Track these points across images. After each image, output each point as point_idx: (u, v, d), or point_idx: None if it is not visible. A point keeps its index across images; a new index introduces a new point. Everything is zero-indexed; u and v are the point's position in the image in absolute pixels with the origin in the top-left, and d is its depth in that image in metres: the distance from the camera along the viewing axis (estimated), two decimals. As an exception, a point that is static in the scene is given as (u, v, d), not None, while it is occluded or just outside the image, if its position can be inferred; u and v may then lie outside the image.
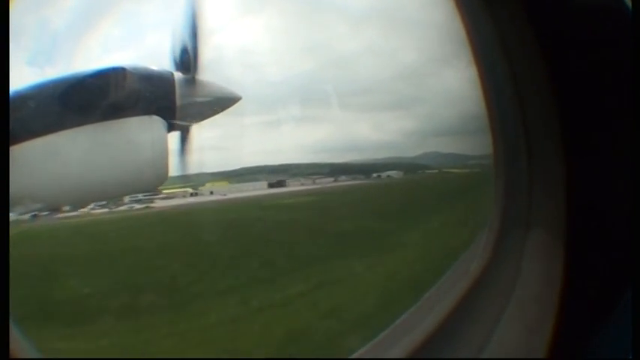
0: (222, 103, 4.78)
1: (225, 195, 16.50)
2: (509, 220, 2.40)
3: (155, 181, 4.29)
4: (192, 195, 16.02)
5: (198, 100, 4.48)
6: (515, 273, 2.28)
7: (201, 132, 4.74)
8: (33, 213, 3.84)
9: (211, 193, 16.40)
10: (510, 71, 2.32)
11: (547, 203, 2.28)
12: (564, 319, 2.05)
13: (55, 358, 1.74)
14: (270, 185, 18.03)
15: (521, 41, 2.23)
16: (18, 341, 1.82)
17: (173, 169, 4.52)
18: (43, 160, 3.69)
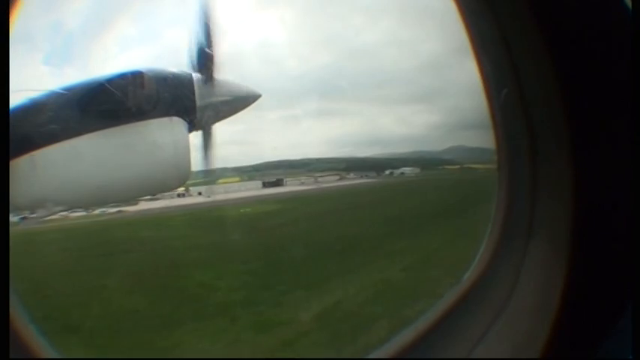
0: (241, 101, 4.86)
1: (209, 197, 16.27)
2: (511, 226, 2.35)
3: (178, 180, 4.40)
4: (179, 196, 16.02)
5: (218, 99, 4.57)
6: (511, 284, 2.23)
7: (223, 128, 4.84)
8: (23, 216, 3.99)
9: (199, 193, 16.24)
10: (513, 68, 2.28)
11: (552, 207, 2.23)
12: (556, 338, 2.02)
13: (59, 358, 1.81)
14: (265, 185, 17.72)
15: (524, 37, 2.17)
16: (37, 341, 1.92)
17: (195, 165, 4.67)
18: (66, 164, 3.85)
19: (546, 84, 2.15)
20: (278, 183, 16.96)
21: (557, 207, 2.19)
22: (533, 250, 2.23)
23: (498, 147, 2.42)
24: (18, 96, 3.73)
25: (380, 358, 2.17)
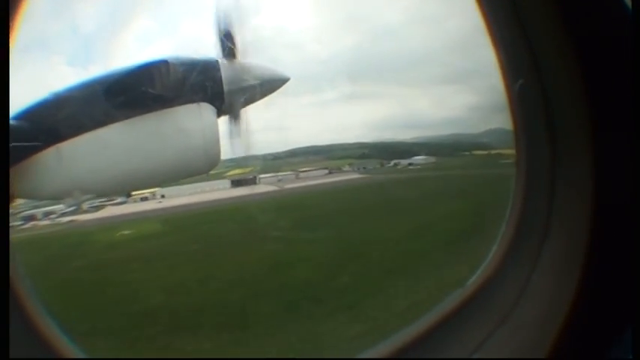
0: (270, 85, 4.84)
1: (160, 202, 15.89)
2: (526, 226, 2.25)
3: (207, 165, 4.44)
4: (142, 199, 15.91)
5: (246, 83, 4.57)
6: (520, 289, 2.14)
7: (252, 114, 4.86)
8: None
9: (162, 196, 16.04)
10: (534, 64, 2.15)
11: (570, 208, 2.12)
12: (560, 351, 1.93)
13: (65, 358, 1.89)
14: (234, 184, 16.97)
15: (547, 33, 2.06)
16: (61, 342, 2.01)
17: (225, 153, 4.73)
18: (93, 153, 3.97)
19: (569, 80, 2.03)
20: (249, 182, 16.23)
21: (576, 208, 2.08)
22: (546, 254, 2.14)
23: (517, 143, 2.31)
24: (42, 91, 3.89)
25: (378, 358, 2.16)
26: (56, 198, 4.24)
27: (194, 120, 4.24)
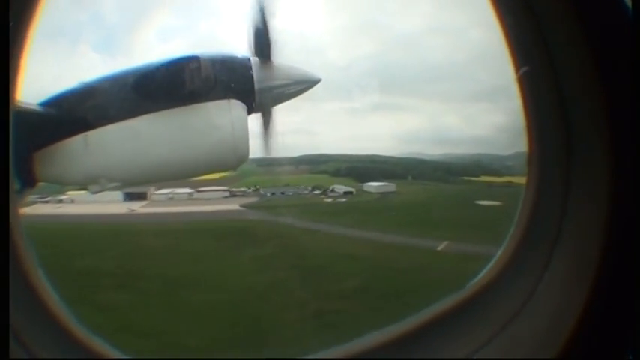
0: (301, 85, 4.87)
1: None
2: (536, 229, 2.13)
3: (236, 161, 4.50)
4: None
5: (277, 82, 4.62)
6: (525, 297, 2.03)
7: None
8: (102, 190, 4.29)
9: (72, 201, 15.53)
10: (550, 64, 2.06)
11: (584, 210, 2.01)
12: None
13: (74, 358, 1.95)
14: (127, 197, 16.10)
15: (563, 33, 1.97)
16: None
17: (256, 152, 4.79)
18: (121, 143, 4.12)
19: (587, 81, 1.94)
20: (140, 196, 15.54)
21: (590, 213, 1.97)
22: (556, 262, 2.03)
23: (531, 144, 2.21)
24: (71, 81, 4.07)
25: (377, 358, 2.11)
26: (81, 184, 4.41)
27: (224, 116, 4.31)
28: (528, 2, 2.02)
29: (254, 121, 4.55)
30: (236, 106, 4.36)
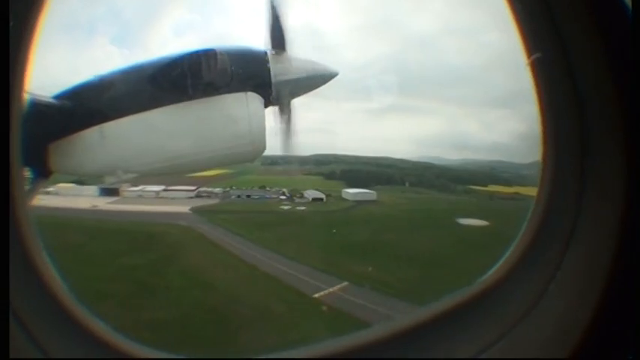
0: (318, 78, 4.84)
1: None
2: (549, 227, 2.05)
3: (252, 153, 4.52)
4: None
5: (294, 76, 4.60)
6: (536, 297, 1.97)
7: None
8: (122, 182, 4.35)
9: (56, 193, 15.09)
10: (566, 62, 1.98)
11: (599, 210, 1.92)
12: None
13: (59, 358, 1.97)
14: (102, 192, 15.66)
15: (580, 34, 1.90)
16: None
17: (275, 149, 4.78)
18: (138, 135, 4.16)
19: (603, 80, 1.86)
20: (114, 192, 15.20)
21: (605, 212, 1.89)
22: (568, 262, 1.95)
23: (545, 141, 2.13)
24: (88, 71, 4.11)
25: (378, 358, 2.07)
26: (97, 175, 4.47)
27: (241, 108, 4.32)
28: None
29: (270, 116, 4.60)
30: (253, 99, 4.36)
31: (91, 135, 4.12)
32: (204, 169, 5.18)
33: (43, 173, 4.15)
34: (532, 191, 2.20)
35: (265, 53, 4.49)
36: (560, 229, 2.01)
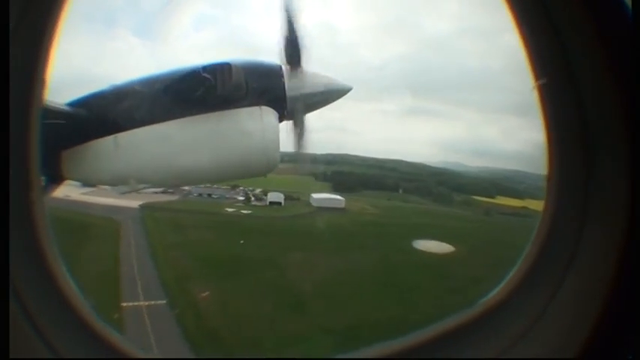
0: (332, 93, 4.88)
1: None
2: (552, 249, 2.06)
3: (266, 167, 4.56)
4: None
5: (309, 90, 4.64)
6: (536, 316, 1.96)
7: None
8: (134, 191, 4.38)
9: None
10: (565, 61, 2.00)
11: (601, 233, 1.92)
12: None
13: (61, 357, 1.99)
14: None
15: (579, 34, 1.92)
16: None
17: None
18: (152, 146, 4.21)
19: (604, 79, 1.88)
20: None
21: (606, 235, 1.89)
22: (569, 282, 1.95)
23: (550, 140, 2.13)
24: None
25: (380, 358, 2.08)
26: (110, 184, 4.53)
27: (255, 122, 4.36)
28: (545, 9, 1.97)
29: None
30: (267, 113, 4.40)
31: (106, 144, 4.19)
32: (217, 182, 5.22)
33: (56, 180, 4.23)
34: (540, 206, 2.19)
35: (280, 67, 4.53)
36: (561, 251, 2.02)
